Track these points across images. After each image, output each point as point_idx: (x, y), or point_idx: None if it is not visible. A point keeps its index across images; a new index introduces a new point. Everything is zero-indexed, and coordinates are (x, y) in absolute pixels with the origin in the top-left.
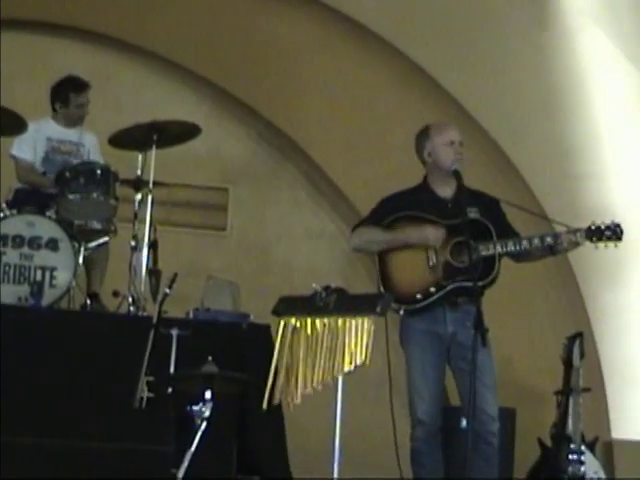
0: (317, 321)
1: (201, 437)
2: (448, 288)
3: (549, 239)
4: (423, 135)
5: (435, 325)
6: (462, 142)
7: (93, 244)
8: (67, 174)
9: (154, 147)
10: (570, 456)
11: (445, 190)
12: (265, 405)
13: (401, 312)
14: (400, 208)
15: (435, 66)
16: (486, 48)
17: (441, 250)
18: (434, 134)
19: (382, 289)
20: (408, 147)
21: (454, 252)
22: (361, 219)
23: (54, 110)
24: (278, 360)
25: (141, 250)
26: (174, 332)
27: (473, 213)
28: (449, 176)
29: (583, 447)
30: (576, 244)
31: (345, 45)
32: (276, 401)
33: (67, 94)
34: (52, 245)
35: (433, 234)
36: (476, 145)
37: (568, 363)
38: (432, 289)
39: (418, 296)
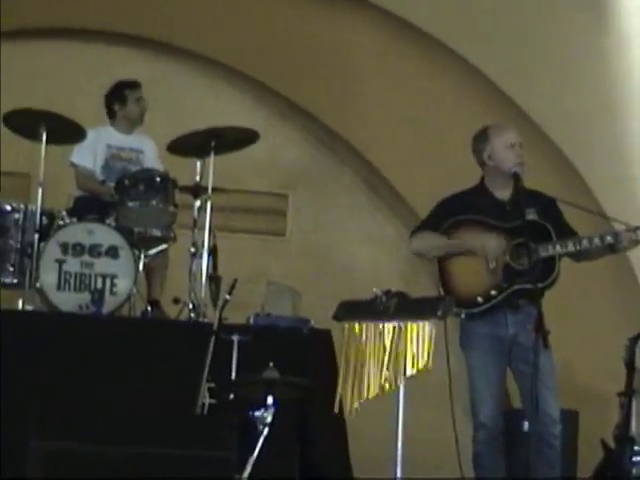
0: (378, 326)
1: (263, 443)
2: (509, 291)
3: (609, 238)
4: (482, 137)
5: (496, 328)
6: (522, 144)
7: (153, 251)
8: (126, 181)
9: (212, 153)
10: (634, 458)
11: (503, 192)
12: (336, 409)
13: (462, 315)
14: (458, 211)
15: (494, 68)
16: (545, 50)
17: (501, 252)
18: (493, 136)
19: (442, 292)
20: (467, 149)
21: (514, 254)
22: (420, 222)
23: (112, 115)
24: (341, 365)
25: (201, 256)
26: (235, 338)
27: (531, 214)
28: (508, 178)
29: None
30: (636, 242)
31: (403, 49)
32: (347, 406)
33: (123, 92)
34: (112, 253)
35: (493, 248)
36: (534, 147)
37: (630, 364)
38: (493, 292)
39: (479, 299)
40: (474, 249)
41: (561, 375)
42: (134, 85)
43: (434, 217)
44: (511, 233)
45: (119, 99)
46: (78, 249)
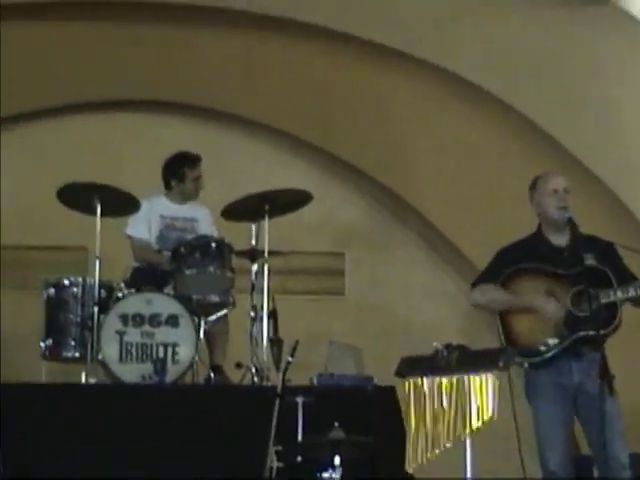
0: (441, 380)
1: None
2: (571, 339)
3: None
4: (532, 187)
5: (560, 376)
6: (567, 189)
7: (213, 317)
8: (182, 250)
9: (267, 217)
10: None
11: (559, 238)
12: (409, 467)
13: (525, 365)
14: (516, 259)
15: (545, 118)
16: (594, 98)
17: (562, 300)
18: (540, 184)
19: (504, 342)
20: (522, 200)
21: (575, 301)
22: (479, 274)
23: (168, 187)
24: (406, 421)
25: (261, 320)
26: (299, 400)
27: (590, 260)
28: (562, 224)
29: None
30: None
31: (454, 103)
32: (415, 462)
33: (182, 170)
34: (172, 321)
35: (552, 312)
36: (588, 193)
37: None
38: (555, 340)
39: (542, 348)
40: (533, 308)
41: (628, 419)
42: (194, 163)
43: (493, 267)
44: (571, 280)
45: (177, 176)
46: (138, 320)
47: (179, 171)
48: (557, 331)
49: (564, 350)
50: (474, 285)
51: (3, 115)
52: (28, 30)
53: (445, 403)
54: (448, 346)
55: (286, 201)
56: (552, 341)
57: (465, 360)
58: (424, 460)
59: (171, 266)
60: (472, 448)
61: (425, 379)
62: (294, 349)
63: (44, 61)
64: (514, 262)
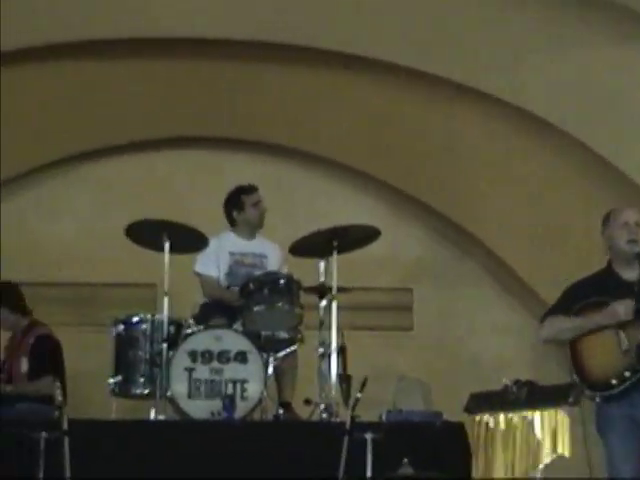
0: (510, 416)
1: None
2: None
3: None
4: (604, 220)
5: (633, 409)
6: (639, 222)
7: (281, 353)
8: (251, 286)
9: (335, 253)
10: None
11: (630, 273)
12: None
13: (597, 399)
14: (586, 295)
15: (614, 152)
16: None
17: (633, 333)
18: (612, 218)
19: (575, 376)
20: (591, 235)
21: None
22: (548, 309)
23: (232, 223)
24: (475, 457)
25: (330, 356)
26: (368, 436)
27: None
28: (632, 257)
29: None
30: None
31: (519, 137)
32: None
33: (239, 198)
34: (241, 358)
35: (622, 308)
36: None
37: None
38: (627, 373)
39: (613, 381)
40: (606, 320)
41: None
42: (250, 190)
43: (563, 302)
44: None
45: (236, 206)
46: (207, 356)
47: (238, 201)
48: (630, 364)
49: (636, 383)
50: (543, 319)
51: (71, 154)
52: (93, 66)
53: (515, 439)
54: (517, 382)
55: (354, 237)
56: (624, 374)
57: (534, 396)
58: None
59: (240, 302)
60: None
61: (494, 415)
62: (363, 385)
63: (109, 98)
64: (584, 297)
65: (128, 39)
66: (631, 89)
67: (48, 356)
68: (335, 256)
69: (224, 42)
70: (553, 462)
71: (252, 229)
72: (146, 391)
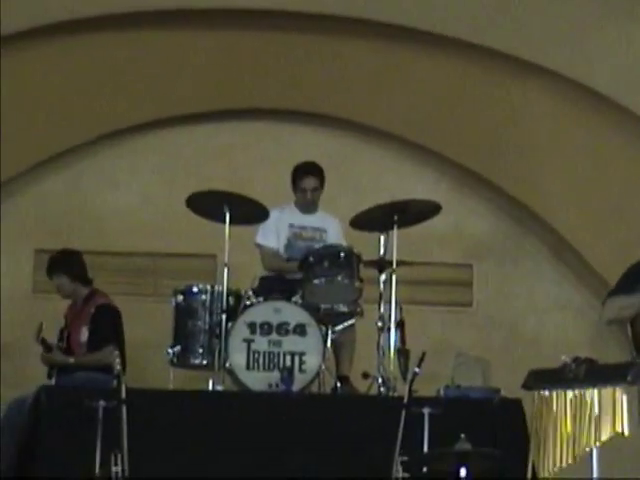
0: (569, 393)
1: None
2: None
3: None
4: None
5: None
6: None
7: (340, 327)
8: (311, 258)
9: (395, 227)
10: None
11: None
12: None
13: None
14: None
15: None
16: None
17: None
18: None
19: (636, 355)
20: None
21: None
22: (609, 290)
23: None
24: (533, 434)
25: (388, 330)
26: (426, 411)
27: None
28: None
29: None
30: None
31: (586, 115)
32: (542, 475)
33: (294, 180)
34: (300, 330)
35: None
36: None
37: None
38: None
39: None
40: None
41: None
42: (302, 174)
43: (625, 282)
44: None
45: (293, 184)
46: (266, 328)
47: (293, 181)
48: None
49: None
50: (604, 302)
51: (134, 123)
52: (164, 38)
53: (572, 417)
54: (576, 359)
55: (415, 212)
56: None
57: (593, 374)
58: (550, 473)
59: (299, 275)
60: (599, 463)
61: (553, 392)
62: (421, 360)
63: (175, 69)
64: None
65: (191, 9)
66: None
67: (108, 326)
68: (395, 230)
69: (293, 14)
70: (609, 441)
71: (304, 208)
72: (204, 362)
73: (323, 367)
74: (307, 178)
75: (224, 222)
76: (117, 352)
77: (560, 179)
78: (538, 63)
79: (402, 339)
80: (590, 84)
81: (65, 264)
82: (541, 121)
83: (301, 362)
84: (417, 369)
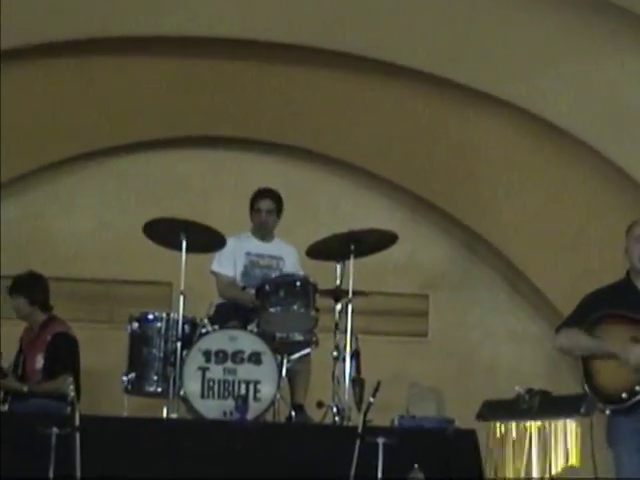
0: (522, 424)
1: None
2: None
3: None
4: (626, 232)
5: None
6: None
7: (295, 356)
8: (267, 287)
9: (352, 257)
10: None
11: None
12: None
13: (607, 412)
14: (602, 305)
15: (633, 165)
16: None
17: None
18: (630, 230)
19: (587, 388)
20: (607, 244)
21: None
22: (564, 318)
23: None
24: (487, 465)
25: (344, 360)
26: (380, 441)
27: None
28: None
29: None
30: None
31: (535, 143)
32: None
33: (252, 204)
34: (255, 359)
35: (634, 359)
36: None
37: None
38: (637, 387)
39: (624, 395)
40: (616, 355)
41: None
42: (259, 195)
43: (579, 312)
44: None
45: (251, 208)
46: (221, 356)
47: (251, 205)
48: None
49: None
50: (559, 329)
51: (90, 149)
52: (116, 64)
53: (526, 448)
54: (530, 391)
55: (372, 241)
56: (635, 388)
57: (547, 405)
58: None
59: (255, 303)
60: None
61: (507, 423)
62: (376, 390)
63: (131, 95)
64: (600, 308)
65: (153, 37)
66: None
67: (65, 355)
68: (352, 260)
69: (251, 43)
70: (562, 472)
71: (260, 235)
72: (159, 389)
73: (278, 396)
74: (263, 200)
75: (180, 249)
76: (71, 379)
77: (514, 209)
78: (493, 94)
79: (357, 369)
80: (545, 116)
81: (26, 286)
82: (496, 151)
83: (256, 390)
84: (372, 399)
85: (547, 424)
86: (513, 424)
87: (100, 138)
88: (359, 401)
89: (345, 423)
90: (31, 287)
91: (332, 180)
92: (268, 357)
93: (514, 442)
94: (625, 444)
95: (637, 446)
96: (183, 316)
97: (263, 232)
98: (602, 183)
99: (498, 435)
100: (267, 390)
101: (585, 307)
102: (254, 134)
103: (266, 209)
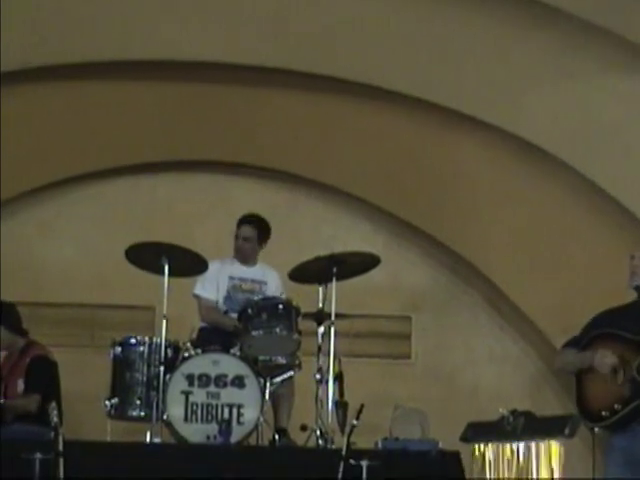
0: (507, 446)
1: None
2: (632, 405)
3: None
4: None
5: (632, 441)
6: (634, 256)
7: (278, 379)
8: (250, 311)
9: (334, 279)
10: None
11: None
12: None
13: (596, 430)
14: (601, 325)
15: (617, 187)
16: None
17: (628, 367)
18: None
19: (576, 407)
20: (590, 266)
21: None
22: (567, 339)
23: None
24: None
25: (327, 383)
26: (364, 463)
27: None
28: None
29: None
30: None
31: (516, 165)
32: None
33: (236, 227)
34: (238, 382)
35: (598, 362)
36: None
37: None
38: (617, 406)
39: (603, 413)
40: (588, 363)
41: None
42: (240, 221)
43: (582, 332)
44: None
45: (235, 233)
46: (204, 380)
47: (236, 229)
48: (621, 396)
49: (635, 416)
50: (559, 350)
51: (73, 175)
52: (98, 88)
53: (510, 470)
54: (514, 412)
55: (354, 264)
56: (614, 406)
57: (531, 427)
58: None
59: (235, 328)
60: None
61: (490, 445)
62: (359, 412)
63: (113, 120)
64: (601, 327)
65: (134, 61)
66: (629, 119)
67: (42, 377)
68: (334, 283)
69: (236, 67)
70: None
71: (241, 257)
72: (142, 414)
73: (261, 419)
74: (243, 226)
75: (163, 274)
76: (53, 404)
77: (496, 230)
78: (475, 116)
79: (340, 391)
80: (526, 136)
81: (3, 316)
82: (477, 173)
83: (239, 414)
84: (355, 421)
85: (531, 445)
86: (497, 446)
87: (84, 163)
88: (343, 424)
89: (329, 446)
90: (7, 315)
91: (313, 203)
92: (251, 380)
93: (498, 464)
94: (613, 462)
95: (624, 463)
96: (166, 340)
97: (241, 258)
98: (582, 203)
99: (482, 457)
100: (250, 414)
101: (588, 327)
102: (238, 158)
103: (243, 236)
